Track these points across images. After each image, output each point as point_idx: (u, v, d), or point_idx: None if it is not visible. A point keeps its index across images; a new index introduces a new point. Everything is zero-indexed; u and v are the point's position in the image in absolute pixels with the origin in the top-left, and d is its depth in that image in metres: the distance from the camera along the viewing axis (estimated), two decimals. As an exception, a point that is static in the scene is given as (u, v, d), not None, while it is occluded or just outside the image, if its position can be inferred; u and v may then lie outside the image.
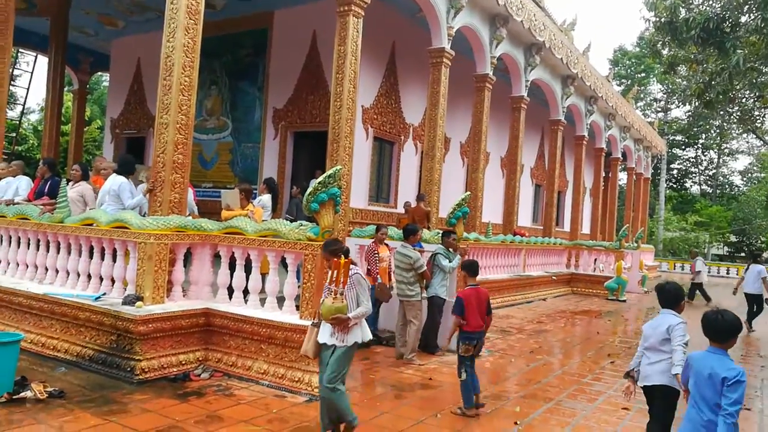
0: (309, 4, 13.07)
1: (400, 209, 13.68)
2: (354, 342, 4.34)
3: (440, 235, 8.61)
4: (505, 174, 17.45)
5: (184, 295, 6.63)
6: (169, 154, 6.63)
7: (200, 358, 6.30)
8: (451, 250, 8.27)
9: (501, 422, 5.38)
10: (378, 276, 8.17)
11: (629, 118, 24.55)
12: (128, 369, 5.67)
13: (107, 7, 14.50)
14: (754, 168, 52.26)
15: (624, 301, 16.51)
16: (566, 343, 9.81)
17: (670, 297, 4.27)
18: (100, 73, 26.54)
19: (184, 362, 6.11)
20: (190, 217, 7.07)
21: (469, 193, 11.11)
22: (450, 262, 8.10)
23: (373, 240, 8.57)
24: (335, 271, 4.31)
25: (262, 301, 6.48)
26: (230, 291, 6.71)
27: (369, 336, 4.52)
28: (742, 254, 48.03)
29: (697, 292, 17.11)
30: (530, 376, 7.24)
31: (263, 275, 6.56)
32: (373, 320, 8.36)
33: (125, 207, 6.85)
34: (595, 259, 18.61)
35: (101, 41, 17.41)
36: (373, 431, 4.99)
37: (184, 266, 6.66)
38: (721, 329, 3.42)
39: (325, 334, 4.36)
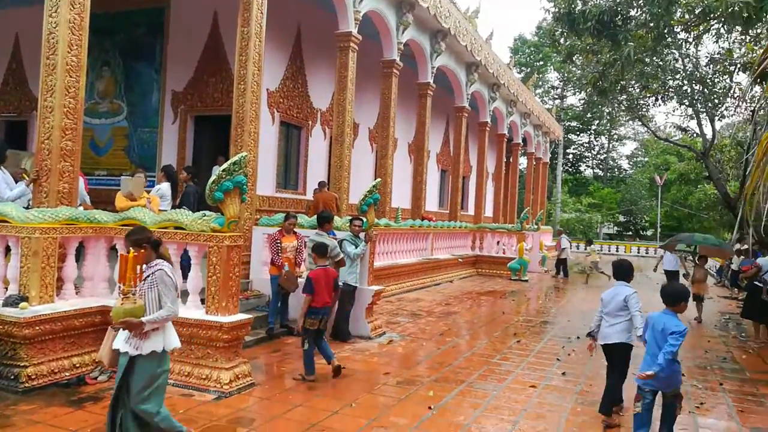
0: (209, -18, 12.43)
1: (310, 196, 13.46)
2: (152, 351, 3.77)
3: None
4: (413, 160, 17.63)
5: (77, 293, 6.17)
6: (55, 140, 6.06)
7: (97, 360, 5.87)
8: (360, 236, 8.23)
9: (415, 407, 5.42)
10: (285, 264, 7.93)
11: (529, 104, 25.57)
12: (12, 377, 5.18)
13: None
14: (639, 153, 56.44)
15: (526, 280, 17.29)
16: (474, 324, 10.09)
17: (624, 270, 5.34)
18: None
19: (78, 365, 5.69)
20: (82, 208, 6.55)
21: (379, 179, 11.11)
22: (356, 248, 8.05)
23: (279, 229, 8.32)
24: (123, 267, 3.76)
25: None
26: (129, 286, 6.28)
27: (174, 344, 3.93)
28: (629, 233, 51.87)
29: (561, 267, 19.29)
30: (441, 359, 7.37)
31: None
32: (281, 310, 8.17)
33: (4, 199, 6.21)
34: (498, 242, 19.34)
35: (-29, 14, 15.69)
36: (286, 426, 4.86)
37: (77, 261, 6.17)
38: (671, 295, 4.51)
39: (120, 340, 3.79)
